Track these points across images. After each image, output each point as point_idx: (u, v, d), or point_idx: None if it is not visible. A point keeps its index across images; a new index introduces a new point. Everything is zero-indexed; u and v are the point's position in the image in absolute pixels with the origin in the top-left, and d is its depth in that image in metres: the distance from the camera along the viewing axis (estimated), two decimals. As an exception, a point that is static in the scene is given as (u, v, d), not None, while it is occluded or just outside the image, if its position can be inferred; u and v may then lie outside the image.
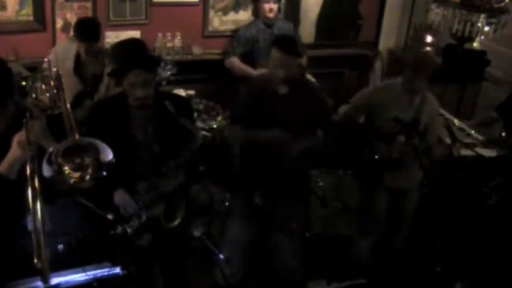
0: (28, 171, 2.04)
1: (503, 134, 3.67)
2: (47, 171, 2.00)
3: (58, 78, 2.58)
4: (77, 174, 2.07)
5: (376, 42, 6.07)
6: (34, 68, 3.21)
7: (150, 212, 2.87)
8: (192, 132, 2.77)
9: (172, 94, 3.29)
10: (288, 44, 3.12)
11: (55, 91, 2.50)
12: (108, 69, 3.80)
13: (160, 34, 5.06)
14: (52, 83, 2.54)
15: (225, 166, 4.33)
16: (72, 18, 4.71)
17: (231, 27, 5.34)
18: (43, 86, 2.56)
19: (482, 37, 5.00)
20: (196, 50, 5.26)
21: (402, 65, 3.61)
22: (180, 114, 2.72)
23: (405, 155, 3.50)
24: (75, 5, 4.72)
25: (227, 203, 4.20)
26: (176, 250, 3.13)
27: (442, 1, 4.85)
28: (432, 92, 3.69)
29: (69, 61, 3.81)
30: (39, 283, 2.14)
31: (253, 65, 4.88)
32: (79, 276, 2.46)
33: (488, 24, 4.76)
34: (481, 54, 5.23)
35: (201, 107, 4.55)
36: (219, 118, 4.46)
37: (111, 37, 4.71)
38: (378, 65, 6.10)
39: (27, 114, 2.19)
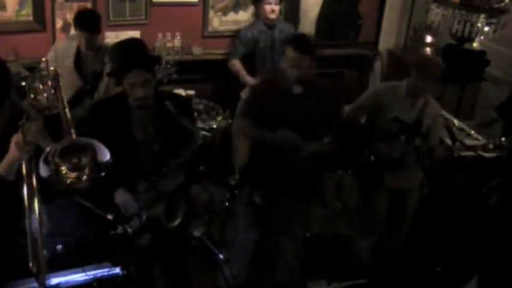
0: (24, 172, 2.04)
1: (503, 139, 3.66)
2: (44, 171, 2.00)
3: (56, 77, 2.58)
4: (73, 174, 2.07)
5: (376, 42, 6.07)
6: (34, 68, 3.20)
7: (151, 212, 2.87)
8: (192, 132, 2.76)
9: (173, 94, 3.29)
10: (304, 43, 3.12)
11: (53, 91, 2.50)
12: (108, 67, 3.80)
13: (160, 34, 5.06)
14: (50, 82, 2.54)
15: (225, 163, 4.34)
16: (71, 18, 4.70)
17: (231, 27, 5.34)
18: (41, 86, 2.55)
19: (482, 37, 5.00)
20: (196, 50, 5.26)
21: (405, 67, 3.60)
22: (180, 114, 2.72)
23: (406, 155, 3.50)
24: (75, 5, 4.71)
25: (227, 203, 4.20)
26: (176, 250, 3.13)
27: (442, 1, 4.85)
28: (431, 93, 3.69)
29: (69, 59, 3.80)
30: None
31: (254, 65, 4.88)
32: (79, 276, 2.46)
33: (488, 24, 4.76)
34: (480, 54, 5.23)
35: (201, 107, 4.56)
36: (219, 118, 4.46)
37: (111, 37, 4.71)
38: (377, 65, 6.10)
39: (24, 116, 2.19)
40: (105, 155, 2.09)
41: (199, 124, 4.21)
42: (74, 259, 2.83)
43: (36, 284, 2.14)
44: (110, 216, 2.80)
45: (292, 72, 3.09)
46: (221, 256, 3.58)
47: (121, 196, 2.83)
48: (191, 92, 4.67)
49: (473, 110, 5.58)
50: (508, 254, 3.56)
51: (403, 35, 6.10)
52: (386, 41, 6.08)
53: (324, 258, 3.93)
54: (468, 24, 4.78)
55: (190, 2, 5.18)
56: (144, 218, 2.84)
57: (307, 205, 3.51)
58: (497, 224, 3.69)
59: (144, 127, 2.86)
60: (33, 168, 2.04)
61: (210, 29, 5.33)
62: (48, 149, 2.02)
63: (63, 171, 2.05)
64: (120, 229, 2.80)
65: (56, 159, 2.02)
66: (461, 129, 4.31)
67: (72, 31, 4.70)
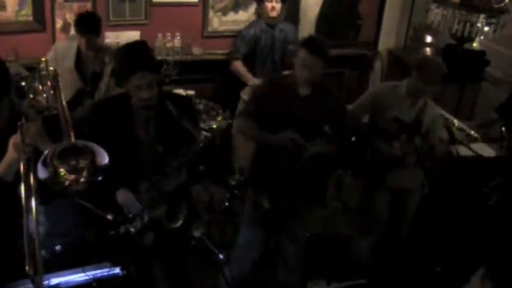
0: (22, 173, 2.04)
1: (503, 128, 3.66)
2: (42, 173, 2.00)
3: (55, 77, 2.58)
4: (72, 177, 2.07)
5: (376, 42, 6.07)
6: (34, 68, 3.20)
7: (152, 212, 2.87)
8: (194, 134, 2.76)
9: (175, 94, 3.29)
10: (317, 46, 3.10)
11: (52, 91, 2.50)
12: (108, 68, 3.81)
13: (160, 34, 5.06)
14: (49, 83, 2.54)
15: (225, 163, 4.34)
16: (71, 18, 4.70)
17: (231, 27, 5.34)
18: (40, 87, 2.55)
19: (481, 37, 5.00)
20: (196, 50, 5.26)
21: (405, 67, 3.60)
22: (182, 115, 2.73)
23: (407, 154, 3.50)
24: (75, 5, 4.71)
25: (227, 203, 4.20)
26: (178, 250, 3.13)
27: (442, 1, 4.85)
28: (432, 94, 3.69)
29: (70, 59, 3.81)
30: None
31: (254, 64, 4.88)
32: (79, 277, 2.47)
33: (487, 24, 4.76)
34: (480, 54, 5.23)
35: (201, 107, 4.55)
36: (219, 118, 4.45)
37: (111, 37, 4.71)
38: (377, 65, 6.10)
39: (23, 117, 2.19)
40: (104, 158, 2.09)
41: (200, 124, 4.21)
42: (73, 259, 2.83)
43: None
44: (109, 216, 2.80)
45: (303, 73, 3.08)
46: (221, 256, 3.58)
47: (123, 196, 2.84)
48: (191, 92, 4.68)
49: (473, 110, 5.58)
50: (509, 254, 3.56)
51: (403, 35, 6.10)
52: (386, 41, 6.08)
53: (323, 258, 3.93)
54: (468, 24, 4.78)
55: (190, 2, 5.18)
56: (146, 218, 2.85)
57: (308, 205, 3.51)
58: (497, 224, 3.68)
59: (146, 127, 2.86)
60: (31, 169, 2.04)
61: (209, 29, 5.33)
62: (46, 152, 2.02)
63: (62, 173, 2.05)
64: (122, 229, 2.80)
65: (55, 162, 2.02)
66: (461, 129, 4.31)
67: (72, 31, 4.71)
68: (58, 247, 3.30)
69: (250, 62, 4.88)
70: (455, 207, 3.94)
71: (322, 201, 3.99)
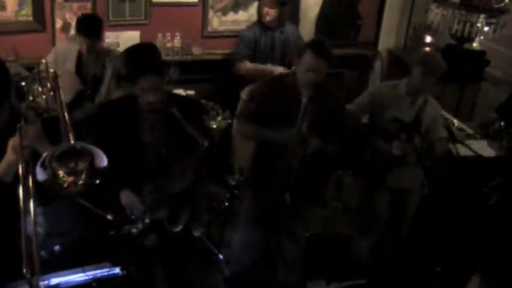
0: (20, 175, 2.04)
1: (502, 123, 3.66)
2: (40, 175, 2.00)
3: (55, 79, 2.58)
4: (70, 179, 2.07)
5: (376, 42, 6.07)
6: (33, 69, 3.21)
7: (154, 215, 2.88)
8: (198, 141, 2.75)
9: (184, 98, 3.29)
10: (323, 48, 3.09)
11: (52, 93, 2.49)
12: (109, 71, 3.81)
13: (159, 34, 5.06)
14: (49, 84, 2.54)
15: (225, 163, 4.34)
16: (71, 18, 4.70)
17: (231, 27, 5.34)
18: (40, 88, 2.55)
19: (481, 37, 5.00)
20: (196, 50, 5.26)
21: (405, 66, 3.60)
22: (188, 120, 2.72)
23: (407, 154, 3.50)
24: (75, 5, 4.71)
25: (227, 203, 4.20)
26: (180, 252, 3.13)
27: (442, 1, 4.86)
28: (432, 92, 3.69)
29: (70, 62, 3.80)
30: (39, 283, 2.13)
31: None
32: (78, 277, 2.46)
33: (487, 24, 4.77)
34: (480, 54, 5.24)
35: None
36: (219, 118, 4.45)
37: (111, 37, 4.71)
38: (377, 65, 6.10)
39: (22, 119, 2.19)
40: (103, 161, 2.09)
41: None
42: (73, 259, 2.83)
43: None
44: (109, 216, 2.81)
45: (308, 76, 3.07)
46: (221, 256, 3.58)
47: (127, 197, 2.85)
48: (191, 92, 4.67)
49: (473, 110, 5.59)
50: (508, 254, 3.56)
51: (403, 35, 6.10)
52: (386, 41, 6.08)
53: (323, 258, 3.92)
54: (468, 24, 4.79)
55: (190, 2, 5.18)
56: (147, 220, 2.85)
57: (308, 205, 3.51)
58: (497, 224, 3.68)
59: (152, 130, 2.87)
60: (29, 171, 2.04)
61: (209, 29, 5.33)
62: (45, 154, 2.02)
63: (60, 175, 2.05)
64: (125, 229, 2.81)
65: (53, 164, 2.02)
66: (460, 129, 4.31)
67: (72, 31, 4.71)
68: (57, 247, 3.30)
69: (250, 63, 4.87)
70: (455, 207, 3.94)
71: (322, 200, 3.99)
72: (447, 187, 3.93)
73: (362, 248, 3.87)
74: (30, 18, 4.64)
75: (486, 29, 4.77)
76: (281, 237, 3.50)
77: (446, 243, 3.87)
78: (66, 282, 2.43)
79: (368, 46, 6.04)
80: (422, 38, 5.96)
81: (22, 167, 2.06)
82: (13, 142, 2.14)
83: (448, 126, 3.76)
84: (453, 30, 4.94)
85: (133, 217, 2.83)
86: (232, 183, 4.19)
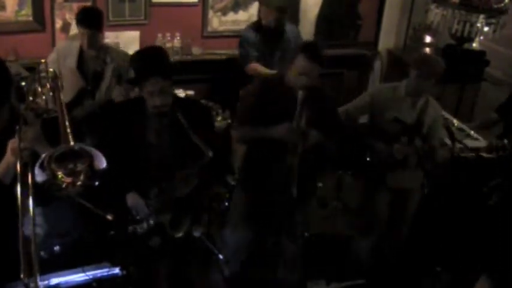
0: (19, 178, 2.04)
1: (506, 141, 3.65)
2: (39, 176, 2.00)
3: (55, 79, 2.57)
4: (69, 180, 2.07)
5: (376, 42, 6.07)
6: (33, 69, 3.21)
7: (158, 218, 2.88)
8: (202, 149, 2.75)
9: (194, 103, 3.26)
10: (315, 52, 3.11)
11: (51, 93, 2.49)
12: (109, 67, 3.80)
13: (159, 34, 5.06)
14: (48, 85, 2.53)
15: (225, 163, 4.33)
16: (71, 18, 4.70)
17: (230, 27, 5.34)
18: (39, 89, 2.55)
19: (481, 37, 5.00)
20: (196, 51, 5.25)
21: (405, 67, 3.60)
22: (194, 127, 2.71)
23: (408, 156, 3.50)
24: (75, 5, 4.71)
25: (227, 203, 4.20)
26: (180, 252, 3.13)
27: (442, 1, 4.85)
28: (432, 92, 3.69)
29: (71, 58, 3.79)
30: (39, 283, 2.13)
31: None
32: (78, 277, 2.47)
33: (487, 24, 4.77)
34: (480, 54, 5.24)
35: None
36: (219, 118, 4.45)
37: (111, 37, 4.70)
38: (377, 65, 6.10)
39: (21, 120, 2.18)
40: (102, 162, 2.09)
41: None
42: (73, 259, 2.83)
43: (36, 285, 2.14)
44: (109, 217, 2.81)
45: (301, 79, 3.08)
46: (221, 256, 3.58)
47: (132, 199, 2.86)
48: (191, 92, 4.67)
49: (473, 110, 5.59)
50: (509, 254, 3.56)
51: (402, 35, 6.10)
52: (386, 41, 6.08)
53: (323, 258, 3.93)
54: (468, 25, 4.79)
55: (190, 2, 5.18)
56: (151, 223, 2.85)
57: (305, 204, 3.51)
58: (498, 224, 3.68)
59: (158, 133, 2.86)
60: (28, 173, 2.04)
61: (209, 29, 5.33)
62: (44, 155, 2.02)
63: (59, 176, 2.06)
64: (130, 229, 2.81)
65: (52, 165, 2.02)
66: (460, 130, 4.31)
67: (72, 31, 4.71)
68: (57, 247, 3.30)
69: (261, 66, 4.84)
70: (455, 207, 3.94)
71: (321, 200, 4.00)
72: (447, 187, 3.93)
73: (362, 248, 3.86)
74: (30, 18, 4.64)
75: (486, 29, 4.77)
76: (280, 237, 3.50)
77: (446, 244, 3.87)
78: (66, 282, 2.43)
79: (368, 46, 6.04)
80: (422, 38, 5.96)
81: (21, 169, 2.06)
82: (12, 144, 2.14)
83: (448, 127, 3.76)
84: (453, 30, 4.94)
85: (138, 218, 2.84)
86: (232, 183, 4.19)
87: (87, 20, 3.67)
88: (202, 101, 4.63)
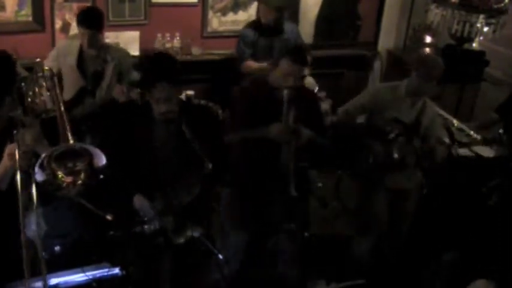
0: (18, 182, 2.03)
1: (501, 131, 3.66)
2: (39, 175, 2.00)
3: (52, 78, 2.57)
4: (69, 179, 2.07)
5: (376, 42, 6.07)
6: (33, 69, 3.22)
7: (163, 221, 2.88)
8: (203, 160, 2.74)
9: (204, 110, 3.24)
10: (301, 55, 3.13)
11: (48, 93, 2.49)
12: (110, 66, 3.80)
13: (159, 34, 5.06)
14: (45, 84, 2.53)
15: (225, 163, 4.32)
16: (71, 18, 4.70)
17: (230, 27, 5.34)
18: (36, 89, 2.55)
19: (481, 37, 5.00)
20: (196, 51, 5.26)
21: (405, 67, 3.60)
22: (199, 135, 2.71)
23: (406, 156, 3.50)
24: (74, 5, 4.71)
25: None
26: (183, 254, 3.13)
27: (441, 1, 4.85)
28: (431, 92, 3.69)
29: (72, 57, 3.79)
30: (39, 283, 2.14)
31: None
32: (78, 277, 2.47)
33: (487, 24, 4.76)
34: (480, 54, 5.23)
35: (197, 103, 4.54)
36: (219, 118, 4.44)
37: (111, 37, 4.71)
38: (377, 65, 6.10)
39: (19, 124, 2.18)
40: (101, 160, 2.09)
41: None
42: (73, 260, 2.83)
43: (36, 284, 2.15)
44: (109, 217, 2.81)
45: (287, 82, 3.10)
46: (221, 256, 3.58)
47: (139, 201, 2.86)
48: (190, 92, 4.67)
49: (473, 111, 5.58)
50: (508, 254, 3.56)
51: (402, 35, 6.10)
52: (386, 41, 6.08)
53: (323, 258, 3.92)
54: (467, 25, 4.79)
55: (190, 2, 5.18)
56: (157, 225, 2.85)
57: (305, 202, 3.51)
58: (497, 224, 3.69)
59: (164, 139, 2.86)
60: (30, 178, 2.04)
61: (209, 29, 5.34)
62: (43, 155, 2.02)
63: (59, 176, 2.06)
64: (138, 229, 2.82)
65: (52, 165, 2.02)
66: (460, 129, 4.31)
67: (72, 31, 4.71)
68: (57, 248, 3.30)
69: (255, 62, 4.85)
70: (454, 208, 3.94)
71: (321, 200, 4.00)
72: (446, 187, 3.93)
73: (362, 248, 3.86)
74: (30, 19, 4.65)
75: (486, 29, 4.77)
76: (278, 235, 3.50)
77: (446, 244, 3.87)
78: (66, 283, 2.43)
79: (368, 46, 6.04)
80: (422, 38, 5.96)
81: (19, 174, 2.05)
82: (9, 150, 2.13)
83: (448, 127, 3.76)
84: (453, 31, 4.94)
85: (145, 219, 2.84)
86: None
87: (87, 20, 3.67)
88: (202, 101, 4.64)
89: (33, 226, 2.00)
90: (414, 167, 3.57)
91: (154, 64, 2.79)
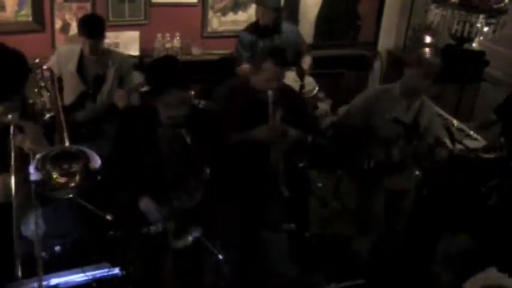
0: (13, 186, 2.03)
1: (502, 139, 3.66)
2: (34, 175, 2.00)
3: (53, 80, 2.57)
4: (63, 180, 2.08)
5: (375, 42, 6.08)
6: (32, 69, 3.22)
7: (167, 225, 2.88)
8: (202, 167, 2.74)
9: (206, 112, 3.23)
10: (282, 57, 3.17)
11: (48, 94, 2.49)
12: (111, 71, 3.80)
13: (159, 34, 5.06)
14: (44, 84, 2.53)
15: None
16: (71, 18, 4.71)
17: (230, 27, 5.34)
18: (36, 90, 2.55)
19: (481, 37, 5.00)
20: (196, 51, 5.26)
21: (405, 66, 3.60)
22: (201, 139, 2.70)
23: (405, 156, 3.50)
24: (74, 5, 4.72)
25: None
26: (187, 254, 3.13)
27: (441, 1, 4.85)
28: (431, 92, 3.69)
29: (72, 63, 3.80)
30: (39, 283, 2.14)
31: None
32: (78, 277, 2.47)
33: (487, 24, 4.76)
34: (480, 54, 5.23)
35: (200, 107, 4.55)
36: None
37: (111, 37, 4.71)
38: (377, 65, 6.11)
39: (15, 130, 2.17)
40: (97, 163, 2.09)
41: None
42: (73, 260, 2.83)
43: (36, 285, 2.15)
44: (108, 217, 2.81)
45: (270, 84, 3.12)
46: (221, 256, 3.58)
47: (145, 204, 2.85)
48: (190, 92, 4.66)
49: (473, 111, 5.58)
50: (508, 254, 3.56)
51: (402, 35, 6.11)
52: (386, 41, 6.09)
53: (323, 258, 3.93)
54: (467, 25, 4.78)
55: (190, 2, 5.19)
56: (160, 228, 2.85)
57: (299, 202, 3.51)
58: (497, 224, 3.69)
59: (171, 143, 2.85)
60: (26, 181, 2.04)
61: (209, 29, 5.34)
62: (39, 155, 2.02)
63: (54, 176, 2.06)
64: (144, 230, 2.82)
65: (47, 165, 2.03)
66: (460, 130, 4.31)
67: (72, 31, 4.71)
68: (58, 248, 3.30)
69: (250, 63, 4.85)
70: (454, 208, 3.94)
71: (321, 200, 3.99)
72: (446, 187, 3.93)
73: (361, 248, 3.87)
74: (30, 19, 4.65)
75: (486, 29, 4.76)
76: (269, 235, 3.49)
77: (445, 244, 3.86)
78: (66, 283, 2.43)
79: (367, 46, 6.05)
80: (422, 39, 5.96)
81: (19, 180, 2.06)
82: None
83: (448, 127, 3.76)
84: (453, 31, 4.94)
85: (151, 221, 2.85)
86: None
87: (89, 30, 3.68)
88: (202, 102, 4.63)
89: (31, 226, 2.00)
90: (412, 167, 3.57)
91: (165, 69, 2.75)
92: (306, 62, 4.75)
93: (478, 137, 4.21)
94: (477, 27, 4.76)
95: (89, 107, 3.83)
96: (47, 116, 2.47)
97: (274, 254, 3.56)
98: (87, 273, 2.47)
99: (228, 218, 3.46)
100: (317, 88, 4.85)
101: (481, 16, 4.70)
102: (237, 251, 3.50)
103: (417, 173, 3.88)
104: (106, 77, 3.83)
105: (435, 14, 4.90)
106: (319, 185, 4.21)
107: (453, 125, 4.30)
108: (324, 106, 5.20)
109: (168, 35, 5.09)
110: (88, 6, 4.76)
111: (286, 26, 4.92)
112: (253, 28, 4.77)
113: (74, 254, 3.22)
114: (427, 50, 5.82)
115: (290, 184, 3.25)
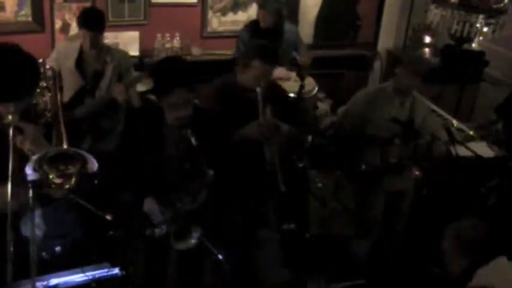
0: (9, 188, 2.03)
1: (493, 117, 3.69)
2: (31, 175, 2.00)
3: (54, 79, 2.57)
4: (59, 181, 2.07)
5: (375, 42, 6.08)
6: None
7: (170, 227, 2.88)
8: (205, 169, 2.72)
9: (211, 112, 3.22)
10: (272, 55, 3.18)
11: (49, 94, 2.49)
12: (110, 66, 3.80)
13: (159, 35, 5.06)
14: (46, 84, 2.53)
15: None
16: (70, 19, 4.71)
17: (230, 28, 5.34)
18: (37, 90, 2.54)
19: (481, 38, 5.00)
20: (195, 51, 5.26)
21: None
22: (207, 139, 2.69)
23: (403, 157, 3.51)
24: (74, 5, 4.72)
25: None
26: (188, 254, 3.13)
27: (441, 2, 4.86)
28: (431, 92, 3.69)
29: (71, 59, 3.79)
30: (41, 283, 2.14)
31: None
32: (78, 277, 2.46)
33: (487, 24, 4.76)
34: (479, 54, 5.24)
35: (200, 107, 4.54)
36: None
37: (110, 37, 4.71)
38: (377, 65, 6.11)
39: (15, 132, 2.16)
40: (94, 165, 2.09)
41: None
42: (73, 260, 2.83)
43: (36, 285, 2.15)
44: (108, 217, 2.81)
45: (259, 82, 3.12)
46: (220, 256, 3.58)
47: (148, 205, 2.85)
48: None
49: (473, 111, 5.59)
50: (508, 254, 3.56)
51: (402, 36, 6.11)
52: (386, 41, 6.09)
53: (323, 258, 3.93)
54: (467, 25, 4.79)
55: (189, 2, 5.19)
56: (164, 230, 2.85)
57: (296, 198, 3.52)
58: (496, 224, 3.69)
59: (177, 144, 2.84)
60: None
61: (209, 29, 5.34)
62: (36, 156, 2.02)
63: (51, 177, 2.06)
64: (148, 231, 2.82)
65: (44, 166, 2.02)
66: (460, 130, 4.31)
67: (71, 31, 4.71)
68: (58, 248, 3.31)
69: None
70: (453, 208, 3.94)
71: (321, 201, 4.00)
72: (446, 187, 3.93)
73: (361, 248, 3.87)
74: (30, 19, 4.65)
75: (485, 29, 4.77)
76: (263, 234, 3.49)
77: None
78: (66, 283, 2.43)
79: (367, 46, 6.05)
80: (422, 39, 5.96)
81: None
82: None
83: (448, 127, 3.76)
84: (452, 31, 4.94)
85: (155, 223, 2.84)
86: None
87: (89, 22, 3.66)
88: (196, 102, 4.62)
89: (28, 227, 2.00)
90: (411, 167, 3.58)
91: (171, 70, 2.71)
92: (305, 58, 4.73)
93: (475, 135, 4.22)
94: (477, 27, 4.76)
95: (87, 102, 3.83)
96: (49, 116, 2.46)
97: (267, 254, 3.56)
98: (87, 274, 2.47)
99: (228, 218, 3.47)
100: (317, 88, 4.85)
101: (481, 16, 4.70)
102: (237, 251, 3.50)
103: (416, 173, 3.88)
104: (104, 73, 3.82)
105: (435, 14, 4.90)
106: (319, 185, 4.21)
107: (453, 125, 4.30)
108: (323, 106, 5.21)
109: (167, 35, 5.10)
110: (88, 6, 4.75)
111: (286, 26, 4.92)
112: (253, 27, 4.78)
113: (74, 254, 3.22)
114: (426, 50, 5.82)
115: (288, 182, 3.24)
